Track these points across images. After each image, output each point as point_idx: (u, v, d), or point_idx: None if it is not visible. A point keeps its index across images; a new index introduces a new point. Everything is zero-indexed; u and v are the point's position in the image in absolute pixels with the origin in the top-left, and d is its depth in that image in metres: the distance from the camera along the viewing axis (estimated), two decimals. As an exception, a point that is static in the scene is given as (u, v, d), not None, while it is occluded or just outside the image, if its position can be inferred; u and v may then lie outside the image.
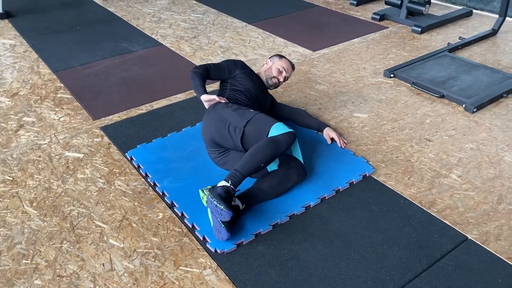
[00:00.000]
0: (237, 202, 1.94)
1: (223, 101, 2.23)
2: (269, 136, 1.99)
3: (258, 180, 2.07)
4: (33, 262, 1.78)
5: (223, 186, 1.83)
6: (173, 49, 3.71)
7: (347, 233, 1.89)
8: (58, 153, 2.44)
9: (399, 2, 4.06)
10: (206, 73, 2.38)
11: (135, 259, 1.79)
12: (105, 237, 1.89)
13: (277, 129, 2.01)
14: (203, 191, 1.91)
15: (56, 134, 2.60)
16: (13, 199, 2.12)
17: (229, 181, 1.85)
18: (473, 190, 2.13)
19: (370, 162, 2.31)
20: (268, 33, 4.00)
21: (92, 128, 2.66)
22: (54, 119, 2.75)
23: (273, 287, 1.65)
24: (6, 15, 4.48)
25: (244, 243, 1.85)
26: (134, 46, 3.78)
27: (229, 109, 2.16)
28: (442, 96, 2.87)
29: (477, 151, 2.40)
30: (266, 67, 2.59)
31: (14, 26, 4.27)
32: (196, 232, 1.90)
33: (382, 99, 2.90)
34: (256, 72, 2.62)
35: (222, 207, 1.72)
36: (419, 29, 3.87)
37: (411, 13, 4.07)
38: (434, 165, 2.29)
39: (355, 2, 4.62)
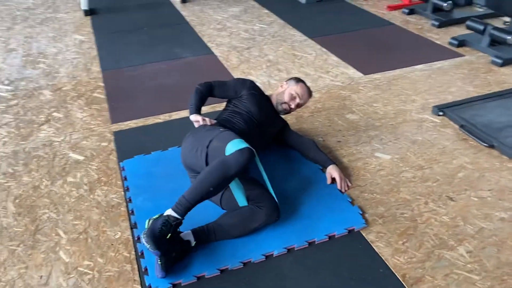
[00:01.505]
0: (189, 237, 1.79)
1: (208, 123, 2.08)
2: (225, 154, 1.79)
3: (222, 216, 1.89)
4: (-18, 260, 1.83)
5: (165, 217, 1.68)
6: (221, 59, 3.64)
7: (298, 297, 1.63)
8: (63, 152, 2.50)
9: (482, 28, 3.51)
10: (209, 90, 2.26)
11: (71, 277, 1.74)
12: (57, 248, 1.88)
13: (233, 145, 1.81)
14: (148, 221, 1.78)
15: (71, 133, 2.68)
16: (2, 192, 2.21)
17: (175, 210, 1.70)
18: (479, 274, 1.71)
19: (366, 215, 1.99)
20: (325, 50, 3.74)
21: (105, 131, 2.69)
22: (78, 118, 2.85)
23: None
24: (90, 12, 4.81)
25: (182, 284, 1.69)
26: (186, 52, 3.79)
27: (202, 130, 2.01)
28: (492, 146, 2.39)
29: (508, 223, 1.94)
30: (280, 90, 2.38)
31: (92, 23, 4.56)
32: (141, 261, 1.79)
33: (417, 140, 2.50)
34: (269, 94, 2.42)
35: (148, 246, 1.59)
36: (500, 61, 3.30)
37: (495, 42, 3.49)
38: (443, 231, 1.90)
39: (437, 24, 4.12)
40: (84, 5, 4.77)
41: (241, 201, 1.89)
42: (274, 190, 2.05)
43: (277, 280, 1.70)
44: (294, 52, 3.73)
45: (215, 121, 2.14)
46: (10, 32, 4.35)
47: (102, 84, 3.28)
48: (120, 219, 2.02)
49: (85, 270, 1.77)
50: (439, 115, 2.71)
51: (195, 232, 1.81)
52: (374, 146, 2.46)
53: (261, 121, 2.24)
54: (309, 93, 2.39)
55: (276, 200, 1.90)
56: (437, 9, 4.28)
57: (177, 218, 1.68)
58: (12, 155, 2.50)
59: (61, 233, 1.95)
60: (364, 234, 1.89)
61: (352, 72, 3.34)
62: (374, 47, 3.79)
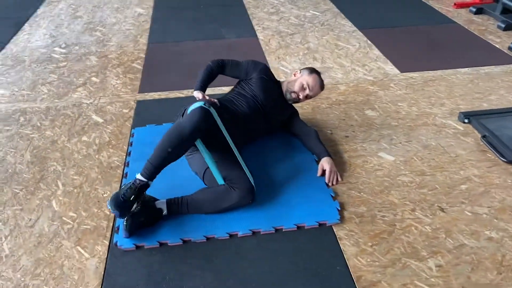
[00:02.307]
0: (163, 206, 1.88)
1: (209, 100, 2.13)
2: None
3: (198, 190, 1.95)
4: (-11, 197, 2.07)
5: (132, 180, 1.78)
6: (262, 43, 3.67)
7: (249, 279, 1.66)
8: (87, 114, 2.71)
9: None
10: (221, 68, 2.31)
11: (54, 224, 1.91)
12: (52, 197, 2.06)
13: (191, 108, 1.86)
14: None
15: (100, 97, 2.89)
16: (25, 142, 2.46)
17: (142, 174, 1.79)
18: (441, 290, 1.61)
19: (345, 212, 1.95)
20: (370, 43, 3.61)
21: (130, 99, 2.86)
22: (111, 84, 3.05)
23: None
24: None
25: (145, 247, 1.79)
26: (230, 33, 3.86)
27: None
28: (510, 162, 2.20)
29: (495, 244, 1.80)
30: (292, 78, 2.37)
31: (155, -2, 4.78)
32: (117, 220, 1.92)
33: (429, 146, 2.37)
34: (282, 80, 2.41)
35: (109, 207, 1.70)
36: (560, 73, 2.97)
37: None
38: (419, 241, 1.81)
39: (503, 26, 3.78)
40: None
41: (219, 179, 1.93)
42: (261, 173, 2.09)
43: (235, 258, 1.74)
44: (338, 42, 3.64)
45: (215, 100, 2.18)
46: (82, 0, 4.70)
47: (143, 56, 3.46)
48: (114, 180, 2.16)
49: (67, 220, 1.93)
50: (464, 122, 2.53)
51: (169, 202, 1.89)
52: (381, 146, 2.37)
53: (266, 107, 2.25)
54: (321, 86, 2.35)
55: (253, 183, 1.92)
56: (507, 10, 3.92)
57: (142, 181, 1.77)
58: (44, 111, 2.75)
59: (60, 184, 2.14)
60: (335, 230, 1.86)
61: (389, 68, 3.20)
62: (423, 45, 3.58)
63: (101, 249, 1.79)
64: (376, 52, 3.46)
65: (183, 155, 1.97)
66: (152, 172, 1.79)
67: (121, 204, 1.71)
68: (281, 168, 2.19)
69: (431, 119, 2.59)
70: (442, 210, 1.95)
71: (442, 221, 1.89)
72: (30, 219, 1.94)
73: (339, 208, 1.95)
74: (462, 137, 2.43)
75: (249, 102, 2.23)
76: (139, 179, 1.78)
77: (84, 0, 4.71)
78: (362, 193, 2.05)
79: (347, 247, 1.78)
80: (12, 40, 3.79)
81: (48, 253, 1.77)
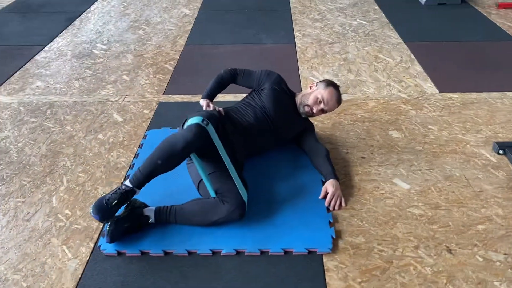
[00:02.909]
0: (150, 213, 1.85)
1: (213, 109, 2.07)
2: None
3: (188, 201, 1.90)
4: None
5: (118, 187, 1.77)
6: (298, 50, 3.56)
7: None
8: (109, 112, 2.76)
9: None
10: (232, 77, 2.25)
11: (48, 220, 1.95)
12: (54, 193, 2.11)
13: (189, 121, 1.82)
14: None
15: (126, 96, 2.93)
16: (44, 135, 2.54)
17: (130, 180, 1.77)
18: None
19: (340, 241, 1.81)
20: (413, 57, 3.39)
21: (153, 100, 2.88)
22: (139, 84, 3.09)
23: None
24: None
25: (126, 254, 1.77)
26: (269, 39, 3.79)
27: None
28: (542, 205, 1.94)
29: (503, 298, 1.58)
30: (307, 91, 2.26)
31: (207, 0, 4.81)
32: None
33: (452, 176, 2.15)
34: (297, 92, 2.31)
35: (90, 211, 1.69)
36: None
37: None
38: (414, 284, 1.64)
39: None
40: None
41: (211, 191, 1.87)
42: (261, 189, 2.01)
43: (211, 278, 1.67)
44: (378, 54, 3.45)
45: (221, 109, 2.12)
46: (134, -1, 4.83)
47: (177, 57, 3.48)
48: (115, 181, 2.17)
49: (61, 218, 1.96)
50: (498, 154, 2.28)
51: (157, 210, 1.86)
52: (398, 171, 2.19)
53: (275, 119, 2.16)
54: (338, 100, 2.21)
55: (244, 199, 1.83)
56: None
57: (128, 187, 1.74)
58: (71, 105, 2.83)
59: (64, 181, 2.18)
60: (324, 260, 1.73)
61: (428, 86, 2.98)
62: (473, 62, 3.30)
63: (85, 251, 1.79)
64: (418, 67, 3.23)
65: (181, 163, 1.92)
66: (140, 180, 1.76)
67: (103, 208, 1.70)
68: (283, 186, 2.09)
69: (461, 147, 2.36)
70: (449, 251, 1.75)
71: (446, 264, 1.70)
72: (28, 213, 1.99)
73: (334, 236, 1.81)
74: (492, 170, 2.19)
75: (256, 113, 2.14)
76: (126, 185, 1.76)
77: (138, 5, 4.83)
78: (364, 222, 1.90)
79: (333, 281, 1.65)
80: (61, 34, 3.96)
81: (35, 249, 1.80)
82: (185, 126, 1.83)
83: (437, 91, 2.91)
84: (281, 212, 1.94)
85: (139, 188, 1.79)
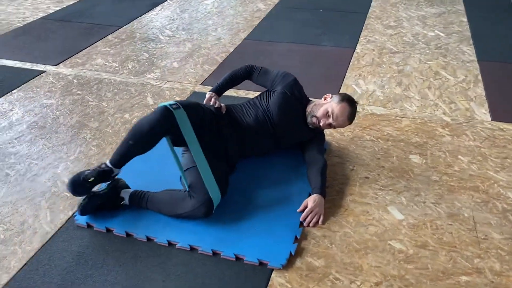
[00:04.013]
0: (126, 195, 1.93)
1: (215, 105, 2.07)
2: None
3: (162, 190, 1.94)
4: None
5: (98, 165, 1.86)
6: (355, 56, 3.39)
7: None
8: (145, 95, 2.91)
9: None
10: (248, 74, 2.24)
11: (46, 184, 2.13)
12: (63, 161, 2.30)
13: (164, 102, 1.85)
14: None
15: (167, 82, 3.07)
16: (81, 107, 2.77)
17: (109, 159, 1.85)
18: None
19: (298, 260, 1.71)
20: (479, 78, 3.02)
21: (189, 89, 2.97)
22: (184, 72, 3.20)
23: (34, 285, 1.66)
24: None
25: (94, 228, 1.87)
26: (331, 41, 3.66)
27: None
28: (553, 270, 1.63)
29: None
30: (320, 101, 2.15)
31: (284, -5, 4.79)
32: (92, 196, 2.03)
33: (459, 216, 1.90)
34: (312, 101, 2.20)
35: (66, 184, 1.81)
36: None
37: None
38: (355, 323, 1.49)
39: None
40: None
41: (185, 184, 1.89)
42: (244, 191, 1.99)
43: (156, 268, 1.69)
44: (441, 70, 3.14)
45: (223, 105, 2.12)
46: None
47: (231, 50, 3.53)
48: (117, 159, 2.28)
49: (58, 184, 2.13)
50: (528, 200, 1.95)
51: (132, 193, 1.93)
52: (398, 199, 1.99)
53: (277, 125, 2.09)
54: (349, 118, 2.06)
55: (213, 198, 1.81)
56: None
57: (106, 166, 1.83)
58: (116, 84, 3.04)
59: (77, 151, 2.36)
60: (272, 275, 1.65)
61: (481, 112, 2.64)
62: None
63: (62, 218, 1.92)
64: (479, 90, 2.87)
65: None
66: (117, 160, 1.84)
67: (77, 183, 1.81)
68: (268, 191, 2.03)
69: (487, 185, 2.05)
70: (414, 297, 1.55)
71: (403, 311, 1.51)
72: (35, 174, 2.19)
73: (293, 253, 1.71)
74: (511, 217, 1.88)
75: (258, 115, 2.10)
76: (105, 164, 1.85)
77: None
78: (333, 245, 1.76)
79: (271, 298, 1.56)
80: (139, 18, 4.25)
81: (25, 208, 1.99)
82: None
83: (489, 119, 2.56)
84: (253, 217, 1.88)
85: (118, 167, 1.86)
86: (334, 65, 3.24)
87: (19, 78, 3.13)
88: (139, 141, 1.80)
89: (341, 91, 2.87)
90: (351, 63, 3.25)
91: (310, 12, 4.29)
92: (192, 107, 1.90)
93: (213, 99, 2.09)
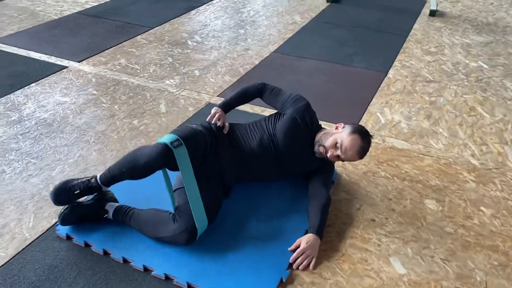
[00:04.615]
0: (111, 209, 1.83)
1: (218, 123, 1.95)
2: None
3: (148, 209, 1.83)
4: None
5: (89, 177, 1.78)
6: (385, 81, 3.19)
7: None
8: (159, 102, 2.83)
9: None
10: (259, 92, 2.10)
11: (38, 186, 2.07)
12: (60, 163, 2.23)
13: (165, 137, 1.71)
14: None
15: (183, 90, 2.98)
16: (93, 108, 2.72)
17: (100, 175, 1.77)
18: None
19: (278, 306, 1.55)
20: (521, 119, 2.75)
21: (204, 100, 2.87)
22: (204, 81, 3.10)
23: None
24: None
25: (73, 241, 1.78)
26: (362, 62, 3.47)
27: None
28: None
29: None
30: (331, 130, 1.98)
31: (323, 9, 4.63)
32: (79, 205, 1.95)
33: (470, 278, 1.68)
34: (323, 129, 2.03)
35: (50, 191, 1.74)
36: None
37: None
38: None
39: None
40: (329, -9, 4.85)
41: (172, 206, 1.77)
42: (235, 219, 1.88)
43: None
44: (477, 106, 2.89)
45: (226, 124, 1.99)
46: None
47: (256, 63, 3.40)
48: (115, 168, 2.19)
49: (50, 188, 2.05)
50: (554, 271, 1.70)
51: (117, 208, 1.83)
52: (404, 250, 1.79)
53: (282, 151, 1.94)
54: (359, 152, 1.87)
55: (197, 226, 1.69)
56: None
57: (95, 182, 1.75)
58: (133, 87, 2.98)
59: (77, 155, 2.30)
60: (246, 321, 1.50)
61: (516, 158, 2.38)
62: None
63: (44, 225, 1.85)
64: (522, 134, 2.60)
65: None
66: (107, 180, 1.76)
67: (62, 192, 1.74)
68: (261, 223, 1.88)
69: (508, 246, 1.82)
70: None
71: None
72: (30, 175, 2.14)
73: (274, 296, 1.55)
74: (531, 289, 1.64)
75: (262, 139, 1.95)
76: (95, 179, 1.76)
77: (258, 4, 4.87)
78: (320, 295, 1.59)
79: None
80: (171, 21, 4.21)
81: (12, 209, 1.93)
82: (160, 139, 1.74)
83: (524, 167, 2.31)
84: (239, 250, 1.74)
85: (107, 186, 1.78)
86: (361, 88, 3.05)
87: (40, 72, 3.12)
88: (133, 171, 1.71)
89: (364, 118, 2.69)
90: (380, 88, 3.05)
91: (347, 29, 4.10)
92: (193, 139, 1.77)
93: (217, 116, 1.97)
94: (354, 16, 4.44)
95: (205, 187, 1.77)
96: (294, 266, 1.69)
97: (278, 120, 2.00)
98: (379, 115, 2.74)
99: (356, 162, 2.26)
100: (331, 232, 1.86)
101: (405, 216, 1.96)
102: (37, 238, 1.79)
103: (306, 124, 1.98)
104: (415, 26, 4.25)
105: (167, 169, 1.75)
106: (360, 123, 2.61)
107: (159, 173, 1.74)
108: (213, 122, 1.96)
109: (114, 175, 1.74)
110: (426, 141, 2.49)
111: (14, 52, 3.44)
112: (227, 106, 2.05)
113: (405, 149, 2.41)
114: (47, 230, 1.83)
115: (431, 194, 2.09)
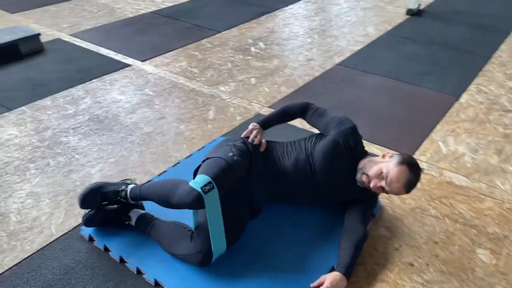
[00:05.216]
0: (134, 216, 1.82)
1: (255, 140, 1.86)
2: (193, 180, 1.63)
3: (170, 221, 1.78)
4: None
5: (122, 187, 1.78)
6: (456, 107, 2.90)
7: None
8: (209, 108, 2.80)
9: None
10: (302, 111, 1.97)
11: (75, 183, 2.12)
12: (100, 162, 2.27)
13: (198, 179, 1.60)
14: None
15: (235, 98, 2.93)
16: (145, 109, 2.75)
17: (131, 189, 1.76)
18: None
19: None
20: None
21: (254, 110, 2.79)
22: (258, 90, 3.03)
23: None
24: (414, 12, 4.57)
25: (94, 243, 1.79)
26: (433, 83, 3.18)
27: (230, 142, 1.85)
28: None
29: None
30: (377, 159, 1.80)
31: (400, 22, 4.36)
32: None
33: None
34: (368, 157, 1.84)
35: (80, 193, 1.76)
36: None
37: None
38: None
39: None
40: (410, 3, 4.56)
41: (193, 223, 1.71)
42: (256, 245, 1.77)
43: (132, 308, 1.54)
44: (562, 145, 2.52)
45: (264, 141, 1.89)
46: (327, 5, 4.72)
47: (317, 75, 3.27)
48: (151, 171, 2.19)
49: (86, 185, 2.09)
50: None
51: (141, 216, 1.81)
52: (441, 305, 1.57)
53: (319, 176, 1.79)
54: (406, 186, 1.67)
55: (213, 250, 1.61)
56: None
57: (125, 197, 1.76)
58: (188, 91, 2.98)
59: (118, 155, 2.33)
60: None
61: None
62: None
63: (71, 223, 1.88)
64: None
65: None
66: (137, 197, 1.77)
67: (91, 197, 1.76)
68: (284, 250, 1.76)
69: None
70: None
71: None
72: (71, 170, 2.20)
73: None
74: None
75: (298, 159, 1.82)
76: (126, 193, 1.76)
77: (329, 5, 4.71)
78: None
79: None
80: (240, 25, 4.19)
81: (47, 203, 1.98)
82: (194, 179, 1.63)
83: None
84: (254, 280, 1.63)
85: (135, 201, 1.78)
86: (426, 112, 2.79)
87: (105, 68, 3.23)
88: (162, 205, 1.68)
89: (423, 146, 2.45)
90: (447, 114, 2.77)
91: (422, 45, 3.81)
92: (227, 178, 1.65)
93: (254, 133, 1.87)
94: (434, 31, 4.12)
95: (230, 210, 1.67)
96: (312, 305, 1.54)
97: (319, 141, 1.86)
98: (441, 144, 2.48)
99: (405, 196, 2.05)
100: (360, 271, 1.69)
101: (450, 265, 1.73)
102: (62, 235, 1.81)
103: (349, 149, 1.81)
104: (502, 47, 3.85)
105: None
106: (417, 151, 2.39)
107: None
108: (250, 140, 1.86)
109: (144, 197, 1.74)
110: (491, 180, 2.21)
111: (85, 47, 3.60)
112: (266, 124, 1.94)
113: (464, 186, 2.15)
114: (73, 228, 1.85)
115: (486, 243, 1.83)
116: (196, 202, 1.55)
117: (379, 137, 2.51)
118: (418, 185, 1.98)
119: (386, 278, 1.67)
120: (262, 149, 1.85)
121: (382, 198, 2.03)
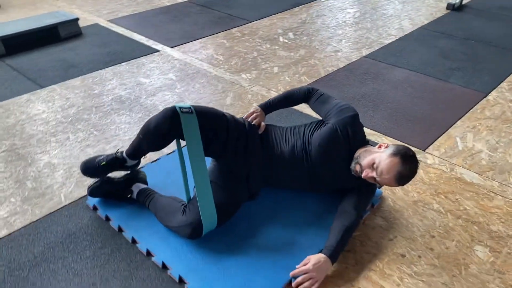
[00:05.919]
0: (136, 189, 1.90)
1: (253, 121, 1.90)
2: None
3: (168, 196, 1.86)
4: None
5: (116, 151, 1.87)
6: (482, 103, 2.79)
7: None
8: (227, 94, 2.85)
9: None
10: (306, 97, 1.98)
11: (91, 155, 2.24)
12: (116, 138, 2.39)
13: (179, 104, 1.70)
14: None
15: (256, 86, 2.96)
16: (165, 92, 2.85)
17: (126, 149, 1.85)
18: None
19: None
20: None
21: (271, 97, 2.81)
22: (278, 79, 3.05)
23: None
24: (455, 7, 4.41)
25: (97, 212, 1.89)
26: (461, 79, 3.08)
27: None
28: None
29: None
30: (373, 149, 1.77)
31: (439, 17, 4.22)
32: (115, 181, 2.07)
33: None
34: (367, 146, 1.83)
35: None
36: None
37: None
38: None
39: None
40: (450, -3, 4.40)
41: (186, 196, 1.77)
42: (249, 223, 1.81)
43: (119, 274, 1.62)
44: None
45: (263, 123, 1.92)
46: (366, 6, 4.64)
47: (341, 66, 3.24)
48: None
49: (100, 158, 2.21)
50: None
51: (141, 190, 1.89)
52: (426, 298, 1.55)
53: (315, 163, 1.79)
54: (397, 178, 1.62)
55: (203, 222, 1.66)
56: None
57: (121, 155, 1.84)
58: (210, 77, 3.05)
59: (134, 133, 2.42)
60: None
61: None
62: None
63: (80, 192, 2.00)
64: None
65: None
66: (131, 151, 1.83)
67: (90, 165, 1.85)
68: (275, 231, 1.78)
69: None
70: None
71: None
72: (88, 145, 2.32)
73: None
74: None
75: (295, 146, 1.83)
76: (120, 152, 1.85)
77: (368, 6, 4.63)
78: (308, 324, 1.45)
79: None
80: (272, 16, 4.21)
81: (61, 173, 2.11)
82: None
83: None
84: (241, 255, 1.67)
85: (132, 159, 1.85)
86: (449, 107, 2.70)
87: (135, 53, 3.36)
88: (147, 137, 1.73)
89: (438, 141, 2.38)
90: (471, 110, 2.68)
91: (458, 41, 3.67)
92: (210, 116, 1.73)
93: (254, 115, 1.91)
94: (473, 27, 3.96)
95: (227, 187, 1.72)
96: (293, 284, 1.56)
97: (318, 128, 1.86)
98: (458, 140, 2.40)
99: (409, 188, 2.02)
100: (349, 258, 1.68)
101: (444, 259, 1.69)
102: (70, 203, 1.92)
103: (347, 137, 1.80)
104: (546, 44, 3.63)
105: (181, 150, 1.74)
106: (431, 146, 2.33)
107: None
108: (249, 120, 1.90)
109: (135, 146, 1.79)
110: (505, 179, 2.12)
111: (121, 32, 3.76)
112: (268, 107, 1.97)
113: (474, 183, 2.08)
114: (80, 198, 1.96)
115: (486, 241, 1.77)
116: (170, 115, 1.61)
117: (394, 130, 2.46)
118: (425, 179, 1.96)
119: (374, 267, 1.65)
120: (260, 131, 1.88)
121: (385, 189, 2.01)
